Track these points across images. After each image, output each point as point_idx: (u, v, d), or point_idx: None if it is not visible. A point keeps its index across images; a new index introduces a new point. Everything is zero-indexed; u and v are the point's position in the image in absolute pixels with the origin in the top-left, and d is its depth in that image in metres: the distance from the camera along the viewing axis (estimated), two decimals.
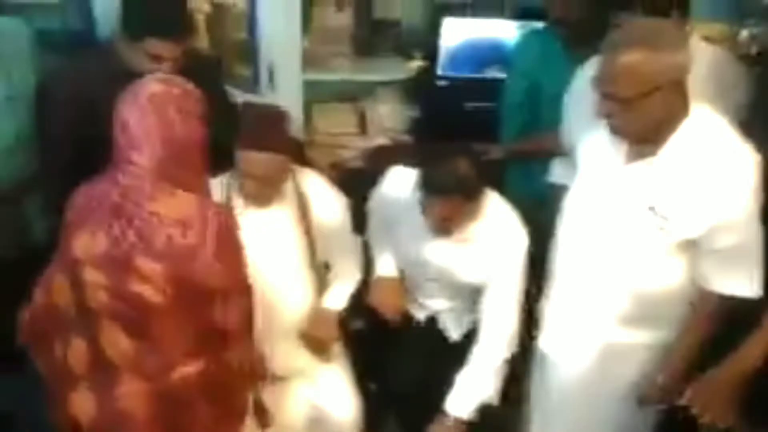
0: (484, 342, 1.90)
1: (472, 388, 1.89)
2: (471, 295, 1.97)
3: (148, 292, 1.34)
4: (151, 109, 1.37)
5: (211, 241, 1.38)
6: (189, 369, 1.41)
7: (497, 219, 1.86)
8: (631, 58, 1.38)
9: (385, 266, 2.07)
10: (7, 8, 2.00)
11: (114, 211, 1.35)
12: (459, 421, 1.87)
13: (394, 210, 1.97)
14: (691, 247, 1.53)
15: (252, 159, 1.77)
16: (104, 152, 1.59)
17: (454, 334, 2.05)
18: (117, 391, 1.39)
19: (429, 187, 1.74)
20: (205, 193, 1.47)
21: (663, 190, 1.50)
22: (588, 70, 1.80)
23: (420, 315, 2.09)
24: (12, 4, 2.04)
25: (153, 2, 1.77)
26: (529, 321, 1.90)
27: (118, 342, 1.38)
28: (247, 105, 2.10)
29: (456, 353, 1.96)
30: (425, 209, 1.78)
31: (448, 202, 1.73)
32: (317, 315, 1.99)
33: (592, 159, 1.66)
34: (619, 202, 1.57)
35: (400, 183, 1.97)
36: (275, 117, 1.88)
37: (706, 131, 1.48)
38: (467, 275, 1.89)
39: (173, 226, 1.34)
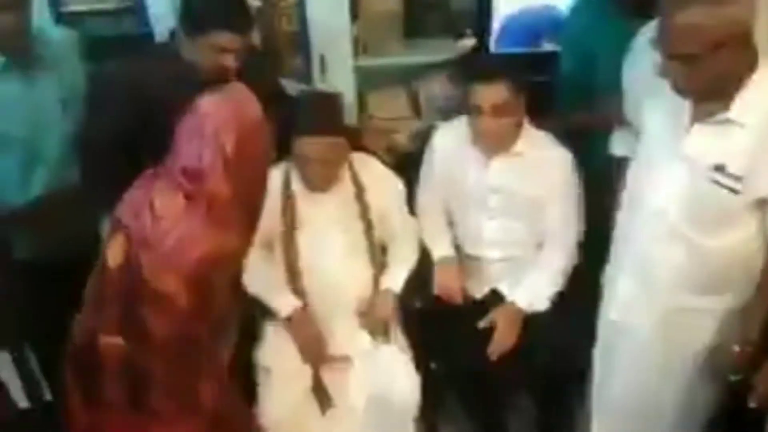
0: (547, 251, 2.05)
1: (533, 286, 2.00)
2: (530, 236, 2.04)
3: None
4: (187, 128, 1.44)
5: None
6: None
7: (540, 138, 2.01)
8: (693, 12, 1.35)
9: (443, 248, 2.10)
10: (65, 16, 2.09)
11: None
12: (517, 310, 1.99)
13: (444, 160, 2.07)
14: (764, 207, 1.48)
15: (314, 144, 1.86)
16: (158, 152, 1.66)
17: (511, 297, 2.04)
18: None
19: (476, 75, 1.88)
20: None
21: (733, 147, 1.45)
22: (646, 35, 1.76)
23: (482, 290, 2.11)
24: (70, 12, 2.14)
25: None
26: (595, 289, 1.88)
27: None
28: (303, 94, 2.15)
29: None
30: (475, 111, 1.88)
31: (497, 87, 1.85)
32: (375, 297, 2.02)
33: (657, 123, 1.63)
34: (687, 164, 1.53)
35: (447, 131, 2.10)
36: (330, 101, 1.98)
37: None
38: (530, 188, 1.98)
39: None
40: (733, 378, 1.64)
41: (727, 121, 1.45)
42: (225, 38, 1.77)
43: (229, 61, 1.79)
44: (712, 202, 1.50)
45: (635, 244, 1.69)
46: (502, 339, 1.97)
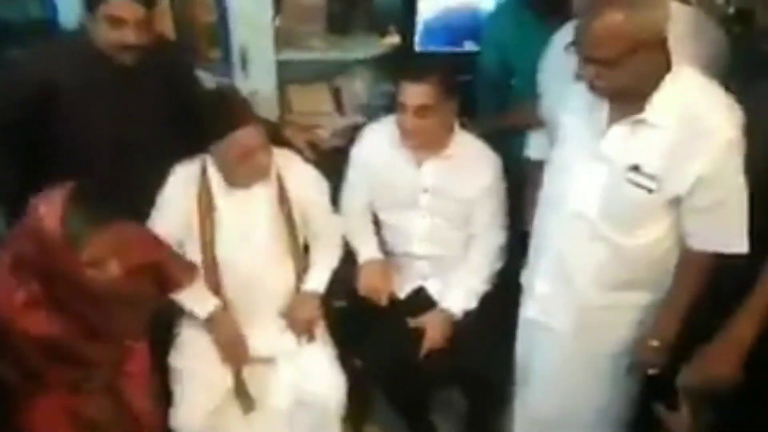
0: (475, 252, 2.06)
1: (462, 290, 2.02)
2: (459, 236, 2.05)
3: None
4: None
5: None
6: None
7: (470, 141, 2.03)
8: (611, 18, 1.39)
9: (369, 250, 2.09)
10: None
11: None
12: (449, 315, 2.01)
13: (375, 160, 2.04)
14: (677, 205, 1.54)
15: (244, 136, 1.80)
16: (60, 146, 1.55)
17: (444, 303, 2.05)
18: None
19: (404, 74, 1.88)
20: None
21: (649, 148, 1.50)
22: (562, 37, 1.80)
23: (407, 287, 2.11)
24: None
25: None
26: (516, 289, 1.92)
27: None
28: (205, 95, 2.07)
29: None
30: (400, 109, 1.88)
31: (423, 88, 1.84)
32: (299, 297, 1.99)
33: (574, 124, 1.66)
34: (605, 164, 1.57)
35: (375, 132, 2.08)
36: (234, 94, 1.95)
37: (690, 87, 1.48)
38: (461, 190, 1.99)
39: None
40: (650, 372, 1.69)
41: (642, 121, 1.50)
42: (121, 5, 1.72)
43: (129, 36, 1.74)
44: (629, 201, 1.55)
45: (552, 244, 1.72)
46: (433, 343, 1.98)
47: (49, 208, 1.43)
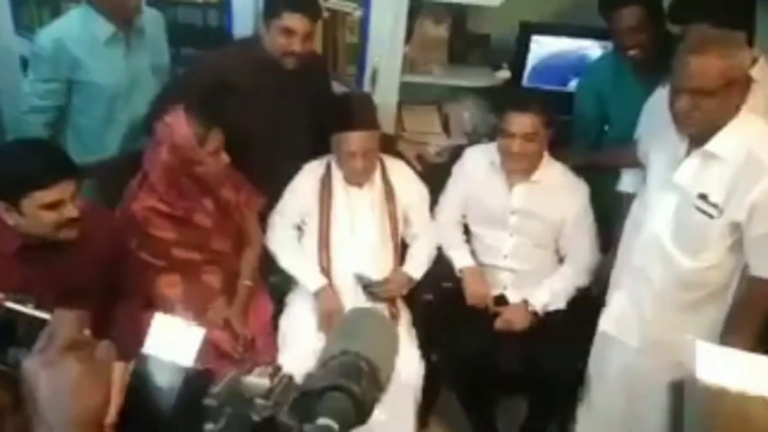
0: (566, 266, 2.29)
1: (548, 290, 2.24)
2: (542, 253, 2.26)
3: None
4: None
5: None
6: None
7: (559, 169, 2.26)
8: (712, 53, 1.61)
9: (465, 257, 2.34)
10: (153, 3, 2.40)
11: None
12: (530, 311, 2.22)
13: (473, 180, 2.30)
14: (736, 232, 1.72)
15: (352, 138, 2.12)
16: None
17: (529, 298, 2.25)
18: None
19: (513, 104, 2.13)
20: None
21: (715, 179, 1.71)
22: (662, 92, 2.01)
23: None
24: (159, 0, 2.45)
25: None
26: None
27: None
28: (340, 96, 2.44)
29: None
30: (505, 135, 2.13)
31: (527, 117, 2.09)
32: (395, 272, 2.26)
33: (658, 160, 1.90)
34: (678, 192, 1.78)
35: (476, 154, 2.34)
36: (363, 101, 2.28)
37: (755, 130, 1.69)
38: (548, 212, 2.23)
39: None
40: None
41: (712, 155, 1.70)
42: (294, 19, 2.08)
43: (296, 45, 2.11)
44: (694, 225, 1.75)
45: (632, 264, 1.93)
46: (508, 325, 2.20)
47: (174, 120, 1.95)
